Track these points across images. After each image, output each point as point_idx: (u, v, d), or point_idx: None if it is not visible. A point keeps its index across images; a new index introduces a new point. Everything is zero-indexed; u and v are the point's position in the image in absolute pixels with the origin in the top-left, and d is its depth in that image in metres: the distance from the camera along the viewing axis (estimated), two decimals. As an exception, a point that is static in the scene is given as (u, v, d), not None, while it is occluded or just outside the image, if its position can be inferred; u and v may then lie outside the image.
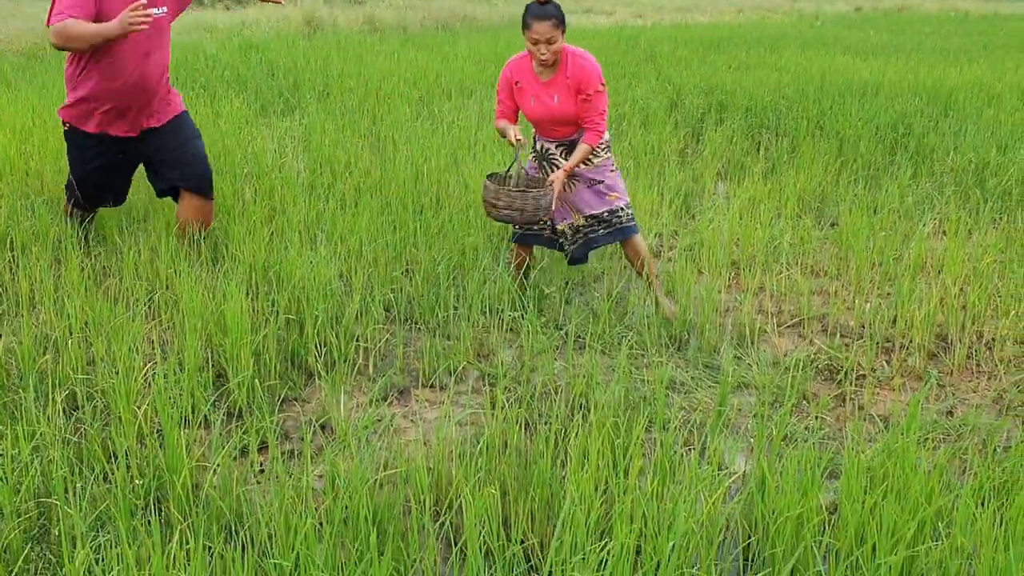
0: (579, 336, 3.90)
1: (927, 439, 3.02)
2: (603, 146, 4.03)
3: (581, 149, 3.90)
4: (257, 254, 4.08)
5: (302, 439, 2.97)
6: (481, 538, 2.28)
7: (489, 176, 4.00)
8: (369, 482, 2.33)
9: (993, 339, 3.84)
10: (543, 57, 3.78)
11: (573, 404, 3.25)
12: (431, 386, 3.45)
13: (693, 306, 4.04)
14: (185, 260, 4.20)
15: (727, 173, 6.46)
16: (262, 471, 2.78)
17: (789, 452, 2.56)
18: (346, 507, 2.26)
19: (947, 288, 4.10)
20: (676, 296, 4.28)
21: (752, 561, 2.35)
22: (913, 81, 9.37)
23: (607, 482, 2.50)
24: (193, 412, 3.01)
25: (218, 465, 2.47)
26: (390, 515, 2.32)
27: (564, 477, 2.56)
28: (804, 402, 3.38)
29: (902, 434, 2.58)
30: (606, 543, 2.21)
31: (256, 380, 3.11)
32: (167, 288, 4.01)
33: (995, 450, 2.88)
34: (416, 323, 3.97)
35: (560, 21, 3.75)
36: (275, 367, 3.34)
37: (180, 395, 2.99)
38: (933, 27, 18.88)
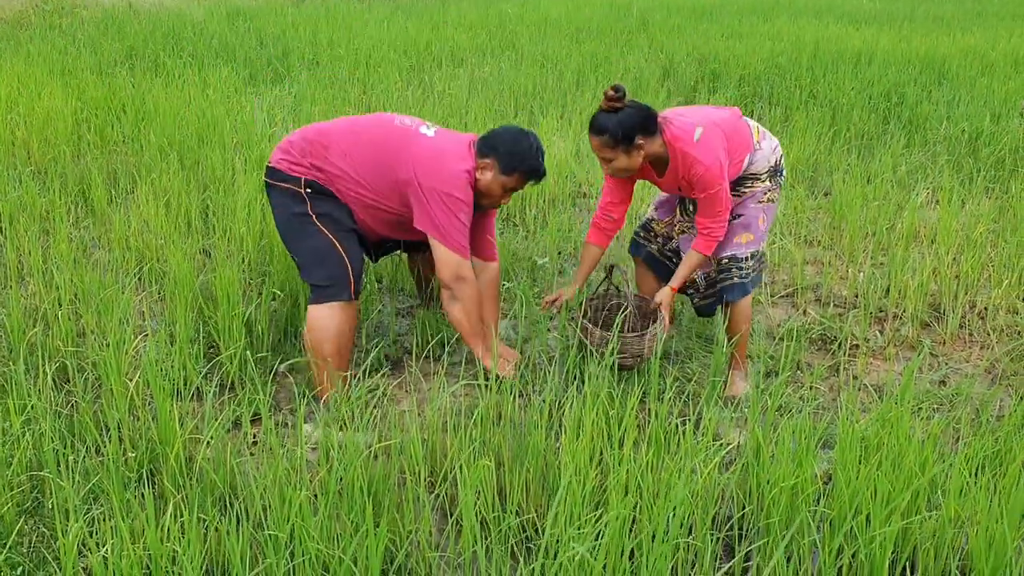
0: (572, 307, 3.89)
1: (920, 409, 3.03)
2: (762, 175, 3.21)
3: (692, 262, 3.17)
4: (250, 225, 4.04)
5: (296, 409, 2.96)
6: (477, 508, 2.27)
7: (586, 302, 3.38)
8: (363, 453, 2.32)
9: (986, 308, 3.84)
10: (604, 171, 3.14)
11: (567, 376, 3.24)
12: (425, 357, 3.44)
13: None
14: (175, 231, 4.16)
15: (720, 142, 6.42)
16: (255, 443, 2.77)
17: (784, 422, 2.56)
18: (340, 478, 2.25)
19: (940, 258, 4.10)
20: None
21: (747, 531, 2.36)
22: (906, 49, 9.32)
23: (602, 453, 2.50)
24: (185, 384, 2.99)
25: (211, 438, 2.46)
26: (385, 486, 2.31)
27: (559, 448, 2.56)
28: (798, 372, 3.38)
29: (896, 404, 2.58)
30: (601, 514, 2.21)
31: (249, 351, 3.08)
32: (157, 260, 3.98)
33: (988, 419, 2.89)
34: (410, 294, 3.95)
35: (616, 140, 2.94)
36: (268, 338, 3.32)
37: (172, 367, 2.97)
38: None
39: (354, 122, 3.22)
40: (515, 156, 3.06)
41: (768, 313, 3.90)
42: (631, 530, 2.24)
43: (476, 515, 2.23)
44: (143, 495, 2.31)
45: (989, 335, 3.66)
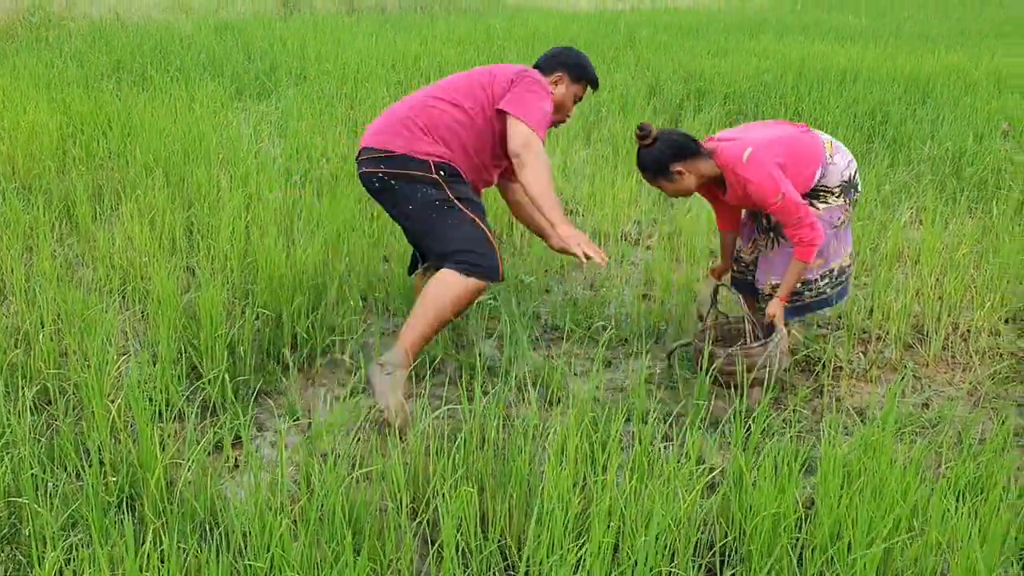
0: (557, 327, 3.89)
1: (903, 432, 3.04)
2: (834, 188, 3.29)
3: (795, 270, 3.21)
4: (234, 243, 4.03)
5: (277, 433, 2.94)
6: (459, 536, 2.27)
7: (695, 339, 3.35)
8: (345, 480, 2.30)
9: (968, 330, 3.86)
10: (668, 196, 3.53)
11: (552, 397, 3.24)
12: (408, 378, 3.42)
13: (672, 296, 4.04)
14: (160, 249, 4.15)
15: (706, 160, 6.44)
16: (237, 467, 2.76)
17: (768, 446, 2.56)
18: (322, 505, 2.24)
19: (923, 279, 4.12)
20: (654, 286, 4.28)
21: (729, 557, 2.36)
22: (891, 67, 9.40)
23: (585, 478, 2.49)
24: (167, 406, 2.97)
25: (192, 462, 2.44)
26: (366, 513, 2.30)
27: (542, 473, 2.55)
28: (782, 393, 3.38)
29: (878, 428, 2.59)
30: (584, 541, 2.21)
31: (231, 374, 3.07)
32: (141, 278, 3.96)
33: (970, 444, 2.89)
34: (394, 313, 3.94)
35: (655, 173, 3.19)
36: (250, 359, 3.31)
37: (154, 389, 2.95)
38: (911, 11, 18.93)
39: (440, 82, 3.44)
40: (580, 66, 3.46)
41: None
42: (613, 557, 2.24)
43: (458, 543, 2.22)
44: (123, 521, 2.29)
45: (972, 357, 3.68)
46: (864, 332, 3.87)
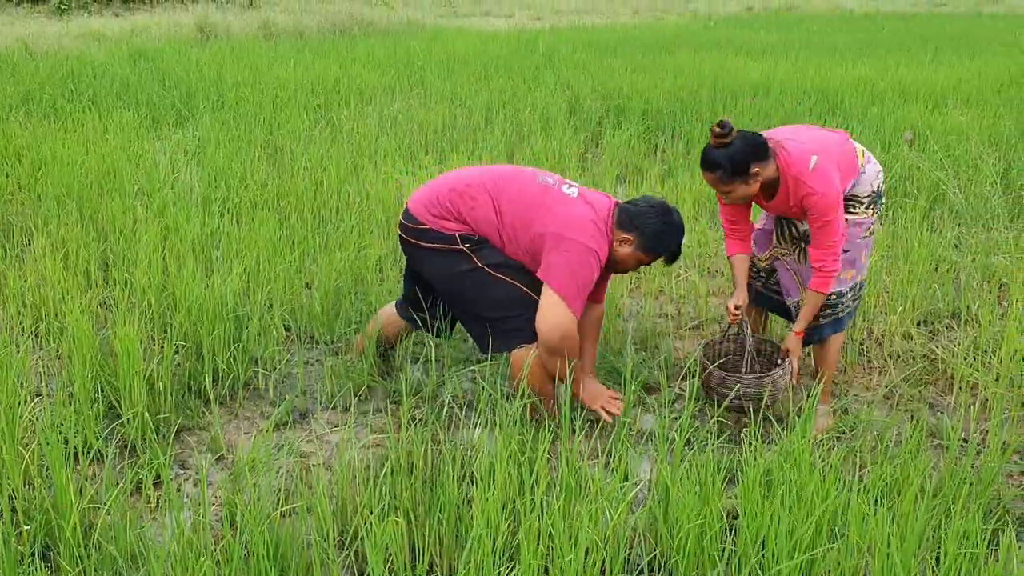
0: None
1: (822, 439, 3.11)
2: (863, 198, 3.22)
3: (812, 303, 3.15)
4: (151, 276, 3.94)
5: (199, 471, 2.88)
6: (388, 566, 2.25)
7: (704, 348, 3.38)
8: (270, 516, 2.27)
9: (883, 335, 3.98)
10: (726, 202, 3.17)
11: (480, 419, 3.24)
12: (333, 407, 3.39)
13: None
14: (74, 285, 4.03)
15: (626, 177, 6.54)
16: (159, 507, 2.69)
17: (691, 457, 2.60)
18: (246, 543, 2.19)
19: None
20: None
21: (658, 570, 2.38)
22: (802, 80, 9.67)
23: (514, 501, 2.49)
24: (85, 448, 2.88)
25: (110, 505, 2.38)
26: (292, 548, 2.26)
27: (470, 499, 2.54)
28: (706, 405, 3.44)
29: (798, 436, 2.64)
30: (514, 564, 2.21)
31: (150, 411, 3.00)
32: (55, 316, 3.84)
33: (887, 446, 2.98)
34: (317, 342, 3.90)
35: (729, 174, 2.98)
36: (171, 396, 3.23)
37: (70, 431, 2.87)
38: (820, 25, 19.52)
39: (498, 175, 3.12)
40: (659, 239, 3.04)
41: (675, 345, 3.97)
42: (544, 578, 2.24)
43: (389, 572, 2.20)
44: (36, 572, 2.21)
45: (887, 361, 3.79)
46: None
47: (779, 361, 3.29)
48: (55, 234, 4.56)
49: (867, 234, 3.26)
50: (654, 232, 3.02)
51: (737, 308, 3.26)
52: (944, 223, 5.27)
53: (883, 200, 3.29)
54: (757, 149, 2.98)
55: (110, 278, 4.23)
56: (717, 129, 2.94)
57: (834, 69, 10.78)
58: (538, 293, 3.00)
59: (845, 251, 3.17)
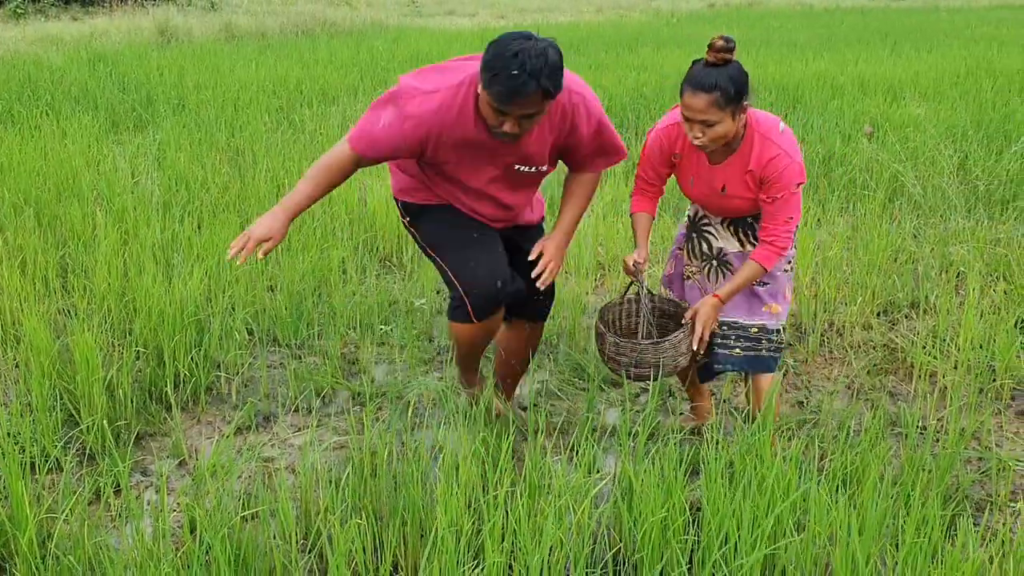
0: (450, 348, 3.88)
1: (785, 429, 3.14)
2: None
3: (747, 272, 2.76)
4: (111, 282, 3.89)
5: (160, 477, 2.85)
6: (351, 568, 2.23)
7: (602, 311, 3.02)
8: (232, 521, 2.25)
9: (844, 325, 4.02)
10: (695, 142, 2.66)
11: (447, 418, 3.23)
12: (296, 410, 3.37)
13: (561, 310, 4.08)
14: (32, 292, 3.97)
15: (591, 173, 6.54)
16: (121, 516, 2.66)
17: (655, 450, 2.61)
18: (208, 550, 2.17)
19: (799, 278, 4.27)
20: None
21: (623, 565, 2.39)
22: (763, 75, 9.75)
23: (479, 499, 2.49)
24: (43, 457, 2.84)
25: (68, 515, 2.34)
26: (255, 553, 2.25)
27: (434, 500, 2.54)
28: (669, 398, 3.46)
29: (759, 428, 2.66)
30: (478, 562, 2.21)
31: (110, 418, 2.96)
32: (13, 324, 3.78)
33: (847, 435, 3.01)
34: (280, 344, 3.87)
35: (728, 98, 2.54)
36: (131, 402, 3.19)
37: (27, 440, 2.82)
38: (781, 21, 19.71)
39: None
40: (486, 64, 2.46)
41: (641, 342, 3.99)
42: (508, 576, 2.24)
43: (354, 573, 2.19)
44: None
45: (847, 351, 3.83)
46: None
47: (684, 323, 2.87)
48: (12, 241, 4.49)
49: (788, 267, 2.93)
50: (483, 64, 2.48)
51: (635, 264, 2.85)
52: (903, 214, 5.33)
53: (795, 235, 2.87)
54: (747, 81, 2.59)
55: (69, 284, 4.17)
56: (720, 42, 2.54)
57: (795, 64, 10.88)
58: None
59: (765, 284, 2.89)
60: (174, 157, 6.15)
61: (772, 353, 2.94)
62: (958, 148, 6.49)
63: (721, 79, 2.53)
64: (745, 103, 2.59)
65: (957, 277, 4.47)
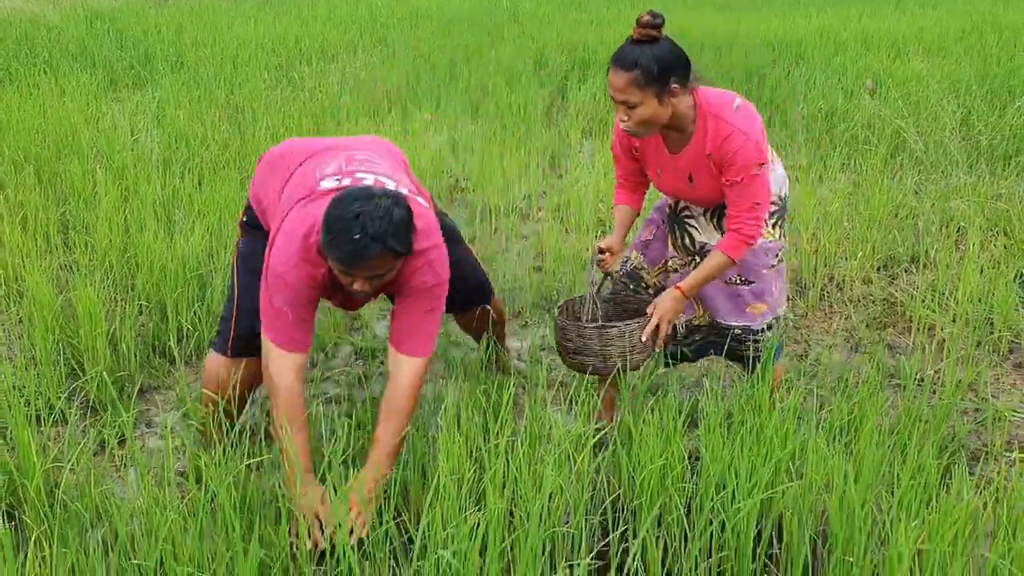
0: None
1: (786, 381, 3.16)
2: (770, 223, 2.67)
3: (712, 263, 2.58)
4: (112, 238, 3.90)
5: (164, 428, 2.89)
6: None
7: (563, 305, 2.87)
8: (236, 469, 2.28)
9: (843, 280, 4.03)
10: (621, 125, 2.50)
11: (446, 371, 3.26)
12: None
13: (562, 266, 4.09)
14: (34, 249, 3.99)
15: (592, 131, 6.53)
16: (124, 466, 2.69)
17: (654, 403, 2.63)
18: (212, 498, 2.21)
19: (800, 233, 4.28)
20: (545, 257, 4.32)
21: (622, 512, 2.42)
22: (766, 31, 9.67)
23: (480, 448, 2.52)
24: (48, 409, 2.87)
25: (74, 464, 2.38)
26: (260, 500, 2.28)
27: (436, 449, 2.57)
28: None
29: (758, 380, 2.68)
30: (480, 507, 2.24)
31: (114, 372, 2.99)
32: (16, 280, 3.80)
33: (846, 386, 3.03)
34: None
35: (648, 78, 2.36)
36: (135, 356, 3.22)
37: (33, 393, 2.85)
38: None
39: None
40: (326, 223, 2.17)
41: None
42: (509, 523, 2.27)
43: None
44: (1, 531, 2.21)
45: (847, 305, 3.85)
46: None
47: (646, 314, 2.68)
48: (12, 198, 4.49)
49: (776, 261, 2.73)
50: (324, 223, 2.18)
51: (602, 251, 2.75)
52: (904, 170, 5.32)
53: (787, 213, 2.75)
54: (681, 61, 2.42)
55: (70, 241, 4.18)
56: (647, 18, 2.38)
57: (797, 20, 10.78)
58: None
59: (750, 283, 2.72)
60: (173, 115, 6.13)
61: (756, 354, 2.80)
62: (961, 104, 6.45)
63: (643, 57, 2.36)
64: (674, 85, 2.41)
65: (957, 232, 4.47)
